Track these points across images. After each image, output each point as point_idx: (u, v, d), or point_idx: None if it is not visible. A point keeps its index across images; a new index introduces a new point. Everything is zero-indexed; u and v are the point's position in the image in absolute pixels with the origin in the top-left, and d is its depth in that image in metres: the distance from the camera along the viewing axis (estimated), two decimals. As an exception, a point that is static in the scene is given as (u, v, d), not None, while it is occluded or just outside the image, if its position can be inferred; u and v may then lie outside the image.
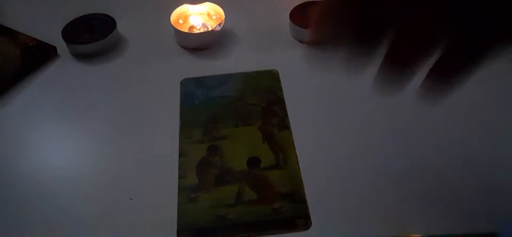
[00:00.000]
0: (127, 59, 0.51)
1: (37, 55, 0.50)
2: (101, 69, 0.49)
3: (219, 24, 0.51)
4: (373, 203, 0.35)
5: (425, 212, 0.34)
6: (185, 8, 0.54)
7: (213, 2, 0.53)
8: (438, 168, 0.37)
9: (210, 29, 0.52)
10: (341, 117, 0.42)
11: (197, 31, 0.53)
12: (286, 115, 0.42)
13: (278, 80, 0.46)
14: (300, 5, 0.54)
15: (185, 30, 0.52)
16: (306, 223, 0.34)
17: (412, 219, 0.34)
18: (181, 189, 0.37)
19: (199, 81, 0.46)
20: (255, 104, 0.44)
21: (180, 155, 0.39)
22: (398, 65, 0.26)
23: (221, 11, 0.52)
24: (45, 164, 0.40)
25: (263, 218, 0.34)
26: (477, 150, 0.39)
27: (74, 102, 0.45)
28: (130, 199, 0.36)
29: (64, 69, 0.50)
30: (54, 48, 0.51)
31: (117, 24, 0.52)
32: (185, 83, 0.46)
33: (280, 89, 0.45)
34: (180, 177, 0.37)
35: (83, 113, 0.44)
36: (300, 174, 0.37)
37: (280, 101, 0.44)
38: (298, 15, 0.52)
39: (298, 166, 0.38)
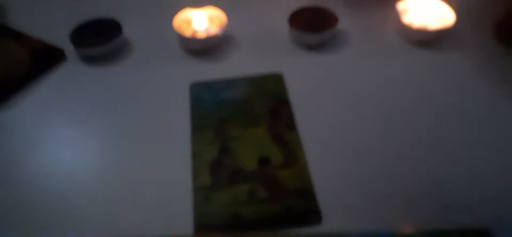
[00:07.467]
0: (133, 62, 0.52)
1: (45, 58, 0.52)
2: (108, 71, 0.51)
3: (221, 29, 0.52)
4: (378, 197, 0.37)
5: (427, 208, 0.36)
6: (188, 13, 0.55)
7: (215, 8, 0.55)
8: (438, 167, 0.39)
9: (212, 33, 0.53)
10: (345, 117, 0.44)
11: (200, 36, 0.54)
12: (293, 116, 0.44)
13: (283, 83, 0.48)
14: (298, 10, 0.55)
15: (188, 34, 0.54)
16: (317, 218, 0.35)
17: (414, 213, 0.36)
18: (196, 188, 0.38)
19: (207, 86, 0.48)
20: (263, 106, 0.45)
21: (193, 156, 0.40)
22: None
23: (222, 16, 0.54)
24: (53, 164, 0.41)
25: (276, 215, 0.36)
26: (475, 150, 0.41)
27: (82, 104, 0.47)
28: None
29: (71, 72, 0.51)
30: (62, 52, 0.53)
31: (122, 29, 0.54)
32: (193, 87, 0.47)
33: (286, 91, 0.47)
34: (194, 177, 0.39)
35: (91, 114, 0.46)
36: (308, 171, 0.39)
37: (286, 103, 0.45)
38: (296, 20, 0.54)
39: (307, 163, 0.39)
